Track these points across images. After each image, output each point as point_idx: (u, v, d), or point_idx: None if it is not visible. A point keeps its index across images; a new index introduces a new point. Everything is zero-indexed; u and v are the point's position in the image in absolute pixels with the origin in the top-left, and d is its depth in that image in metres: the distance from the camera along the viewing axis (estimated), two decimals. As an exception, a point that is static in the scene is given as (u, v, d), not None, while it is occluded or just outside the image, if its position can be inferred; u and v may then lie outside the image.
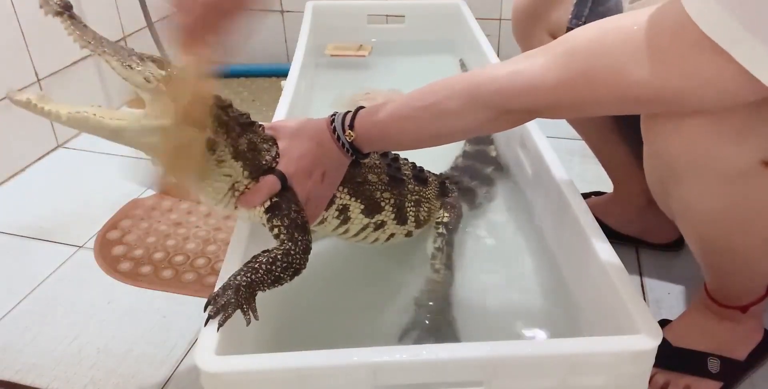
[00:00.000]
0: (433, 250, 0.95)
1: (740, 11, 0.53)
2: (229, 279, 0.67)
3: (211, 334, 0.63)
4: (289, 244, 0.72)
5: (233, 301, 0.65)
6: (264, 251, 0.71)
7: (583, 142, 1.17)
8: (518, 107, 0.70)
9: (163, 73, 0.66)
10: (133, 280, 1.14)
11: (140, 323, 1.04)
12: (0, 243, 1.25)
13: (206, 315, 0.65)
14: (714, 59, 0.56)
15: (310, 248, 0.74)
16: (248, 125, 0.77)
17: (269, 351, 0.64)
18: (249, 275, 0.68)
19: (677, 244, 1.15)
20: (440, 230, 0.96)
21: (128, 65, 0.64)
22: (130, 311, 1.07)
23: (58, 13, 0.63)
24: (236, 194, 0.76)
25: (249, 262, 0.70)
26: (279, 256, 0.70)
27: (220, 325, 0.64)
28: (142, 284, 1.13)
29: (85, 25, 0.64)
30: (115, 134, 0.67)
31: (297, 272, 0.72)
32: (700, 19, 0.55)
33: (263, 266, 0.69)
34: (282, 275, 0.70)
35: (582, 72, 0.64)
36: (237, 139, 0.75)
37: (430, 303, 0.90)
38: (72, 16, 0.63)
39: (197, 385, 0.62)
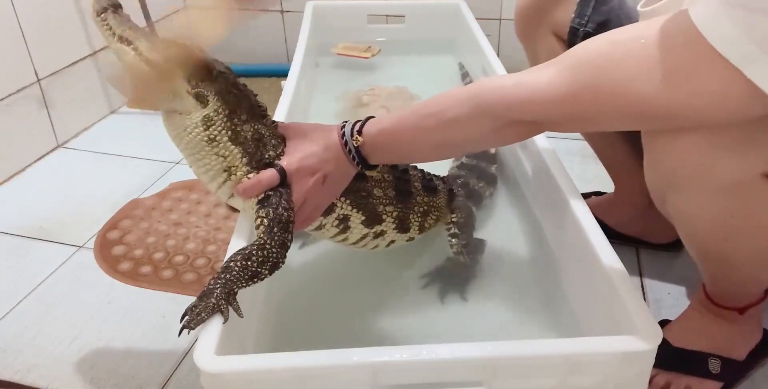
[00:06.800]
0: (454, 254, 0.96)
1: (753, 29, 0.53)
2: (205, 286, 0.67)
3: (211, 334, 0.63)
4: (265, 238, 0.72)
5: (211, 305, 0.65)
6: (240, 250, 0.71)
7: (583, 142, 1.17)
8: (522, 118, 0.70)
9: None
10: (133, 280, 1.14)
11: (140, 323, 1.04)
12: (0, 243, 1.25)
13: (181, 324, 0.64)
14: (724, 76, 0.55)
15: (288, 245, 0.73)
16: (259, 116, 0.79)
17: (269, 351, 0.64)
18: (223, 275, 0.67)
19: (677, 244, 1.15)
20: (453, 231, 0.96)
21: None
22: (130, 311, 1.07)
23: (104, 10, 0.73)
24: (232, 178, 0.77)
25: (224, 263, 0.69)
26: (254, 251, 0.70)
27: (192, 328, 0.64)
28: (142, 284, 1.13)
29: (128, 19, 0.74)
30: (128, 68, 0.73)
31: (275, 266, 0.71)
32: (711, 36, 0.55)
33: (238, 263, 0.69)
34: (259, 269, 0.70)
35: (588, 86, 0.63)
36: (240, 124, 0.76)
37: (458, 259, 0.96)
38: (117, 12, 0.74)
39: (197, 385, 0.62)
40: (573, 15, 0.98)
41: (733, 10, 0.53)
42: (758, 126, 0.61)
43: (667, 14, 0.60)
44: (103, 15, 0.73)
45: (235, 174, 0.77)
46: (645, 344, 0.62)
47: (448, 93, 0.74)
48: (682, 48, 0.58)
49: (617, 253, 0.75)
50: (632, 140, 1.07)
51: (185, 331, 0.64)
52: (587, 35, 0.95)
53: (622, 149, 1.09)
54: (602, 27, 0.95)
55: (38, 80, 1.53)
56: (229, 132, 0.75)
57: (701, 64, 0.57)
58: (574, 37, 0.98)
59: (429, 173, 0.97)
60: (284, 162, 0.77)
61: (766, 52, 0.53)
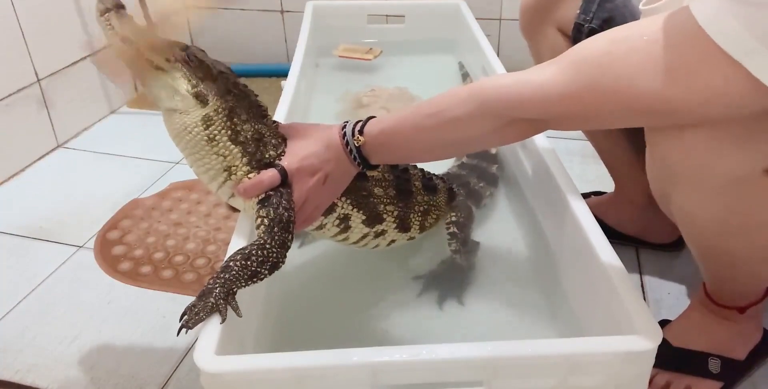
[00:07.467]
0: (451, 253, 0.96)
1: (754, 24, 0.53)
2: (205, 286, 0.67)
3: (211, 334, 0.63)
4: (265, 237, 0.72)
5: (210, 304, 0.65)
6: (240, 249, 0.71)
7: (584, 142, 1.17)
8: (524, 116, 0.70)
9: (183, 53, 0.75)
10: (133, 280, 1.14)
11: (140, 323, 1.04)
12: (0, 243, 1.25)
13: (180, 324, 0.64)
14: (726, 71, 0.56)
15: (289, 245, 0.73)
16: (259, 116, 0.79)
17: (269, 351, 0.64)
18: (223, 275, 0.67)
19: (677, 244, 1.15)
20: (452, 230, 0.96)
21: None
22: (130, 311, 1.07)
23: (107, 10, 0.74)
24: (233, 177, 0.77)
25: (224, 262, 0.69)
26: (254, 251, 0.70)
27: (190, 327, 0.64)
28: (142, 284, 1.13)
29: (131, 19, 0.75)
30: (130, 64, 0.76)
31: (275, 266, 0.71)
32: (712, 32, 0.55)
33: (237, 262, 0.69)
34: (259, 269, 0.70)
35: (589, 83, 0.63)
36: (240, 124, 0.76)
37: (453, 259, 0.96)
38: (120, 13, 0.74)
39: (197, 385, 0.63)
40: (578, 11, 0.98)
41: (734, 6, 0.53)
42: (760, 121, 0.61)
43: (668, 11, 0.60)
44: (106, 15, 0.73)
45: (235, 174, 0.77)
46: (645, 344, 0.62)
47: (449, 92, 0.74)
48: (684, 44, 0.58)
49: (617, 253, 0.75)
50: (634, 139, 1.07)
51: (184, 331, 0.64)
52: (592, 32, 0.95)
53: (624, 147, 1.09)
54: (607, 24, 0.95)
55: (38, 80, 1.53)
56: (229, 132, 0.76)
57: (703, 60, 0.57)
58: (578, 33, 0.98)
59: (429, 172, 0.97)
60: (285, 162, 0.77)
61: (767, 46, 0.53)
